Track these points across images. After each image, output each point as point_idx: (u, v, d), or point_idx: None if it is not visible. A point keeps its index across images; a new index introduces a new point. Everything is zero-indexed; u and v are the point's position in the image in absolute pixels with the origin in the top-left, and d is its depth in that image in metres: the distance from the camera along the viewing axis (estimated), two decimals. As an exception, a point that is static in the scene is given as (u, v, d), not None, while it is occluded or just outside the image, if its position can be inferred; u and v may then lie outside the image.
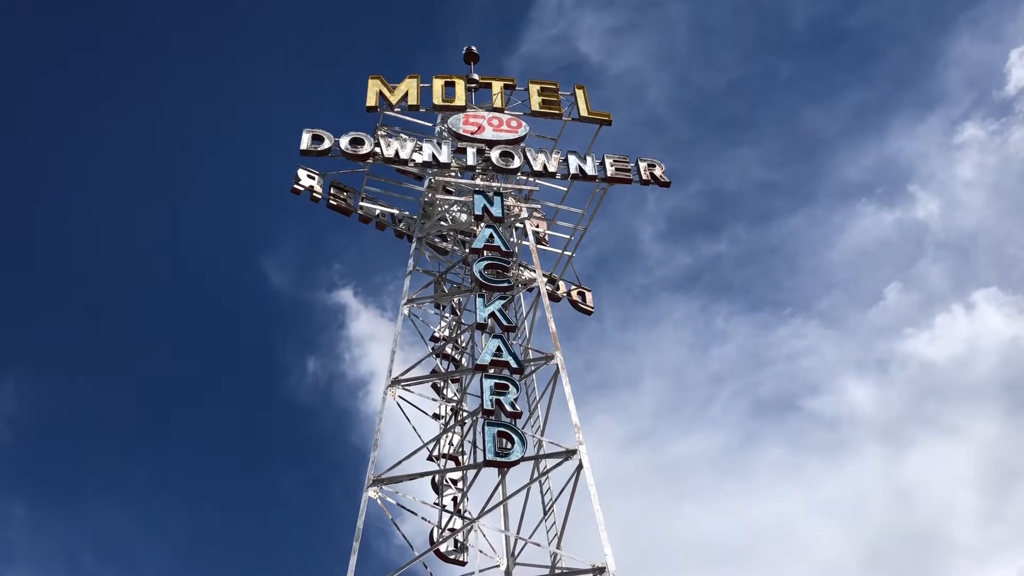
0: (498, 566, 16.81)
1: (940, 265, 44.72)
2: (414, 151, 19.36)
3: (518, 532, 16.65)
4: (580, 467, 14.78)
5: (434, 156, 19.29)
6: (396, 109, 20.01)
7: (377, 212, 20.21)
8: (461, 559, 17.20)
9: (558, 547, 15.36)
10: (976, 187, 44.84)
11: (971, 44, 46.63)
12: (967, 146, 45.39)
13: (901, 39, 48.54)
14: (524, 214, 19.75)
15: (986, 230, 44.63)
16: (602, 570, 13.39)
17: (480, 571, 14.96)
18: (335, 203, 19.66)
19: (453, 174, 19.86)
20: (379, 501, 15.07)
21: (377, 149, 19.19)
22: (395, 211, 20.34)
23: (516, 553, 16.80)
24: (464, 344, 19.77)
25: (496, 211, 18.15)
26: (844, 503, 38.08)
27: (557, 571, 14.76)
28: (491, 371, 15.47)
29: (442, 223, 20.07)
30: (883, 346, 43.56)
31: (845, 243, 45.60)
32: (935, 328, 42.76)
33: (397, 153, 19.28)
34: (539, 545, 15.67)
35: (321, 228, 48.45)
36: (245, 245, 46.73)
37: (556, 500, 16.21)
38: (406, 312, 18.16)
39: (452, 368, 19.28)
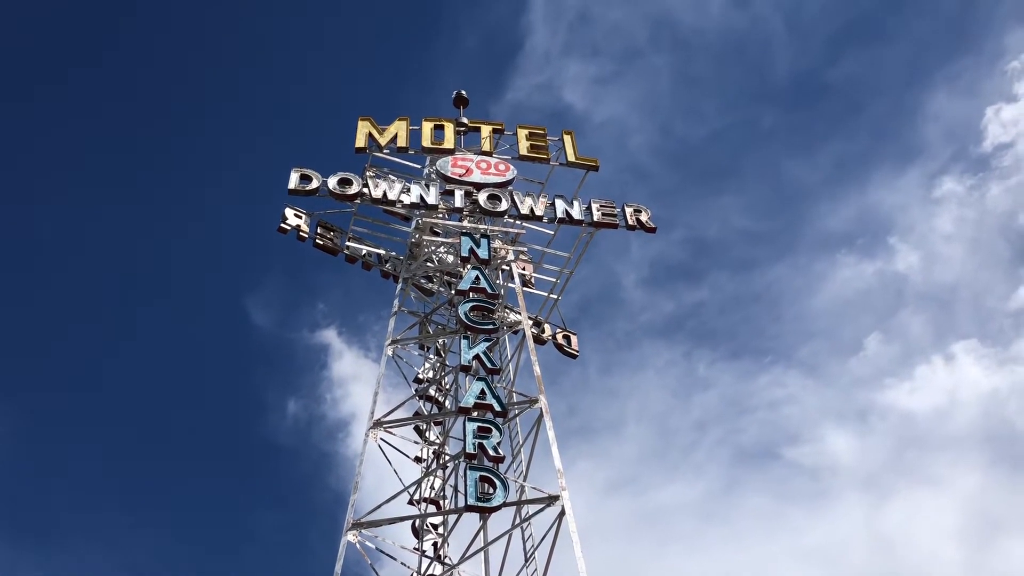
0: (478, 614, 16.53)
1: (920, 316, 45.13)
2: (402, 192, 19.44)
3: (499, 579, 16.39)
4: (563, 513, 14.63)
5: (422, 198, 19.36)
6: (385, 150, 20.13)
7: (363, 252, 20.21)
8: (441, 606, 16.90)
9: (539, 595, 15.11)
10: (955, 240, 45.49)
11: (949, 100, 47.69)
12: (946, 200, 46.13)
13: (881, 93, 49.59)
14: (510, 257, 19.80)
15: (965, 283, 45.17)
16: (583, 619, 13.18)
17: (459, 619, 14.69)
18: (322, 242, 19.65)
19: (440, 216, 19.93)
20: (358, 545, 14.84)
21: (365, 190, 19.25)
22: (381, 251, 20.34)
23: (496, 601, 16.52)
24: (448, 386, 19.66)
25: (483, 253, 18.20)
26: (826, 551, 37.85)
27: (538, 620, 14.51)
28: (474, 414, 15.37)
29: (428, 264, 20.09)
30: (863, 396, 43.72)
31: (826, 293, 46.00)
32: (915, 379, 43.02)
33: (385, 194, 19.35)
34: (520, 593, 15.41)
35: (306, 267, 48.49)
36: (229, 283, 46.61)
37: (538, 547, 16.00)
38: (390, 353, 18.06)
39: (435, 410, 19.14)
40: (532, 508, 15.53)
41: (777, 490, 40.76)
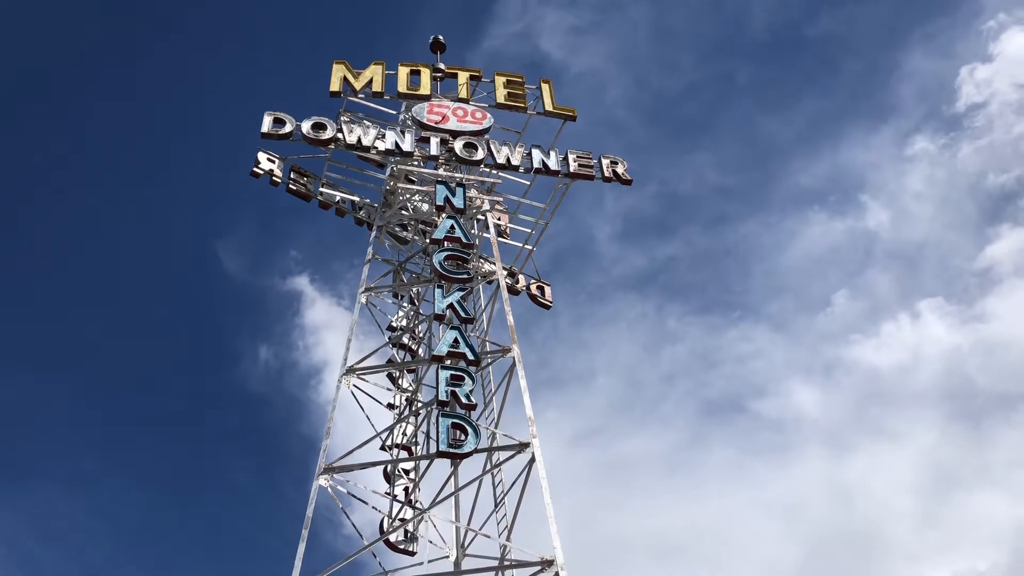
0: (447, 557, 16.83)
1: (888, 274, 45.78)
2: (377, 138, 19.20)
3: (468, 524, 16.68)
4: (533, 460, 14.85)
5: (397, 144, 19.15)
6: (360, 95, 19.81)
7: (337, 198, 20.02)
8: (411, 550, 17.19)
9: (508, 539, 15.41)
10: (925, 199, 45.98)
11: (924, 59, 47.75)
12: (917, 159, 46.51)
13: (857, 51, 49.48)
14: (486, 206, 19.73)
15: (933, 241, 45.80)
16: (550, 563, 13.47)
17: (429, 562, 14.98)
18: (295, 188, 19.43)
19: (416, 163, 19.75)
20: (330, 489, 14.98)
21: (339, 135, 18.99)
22: (356, 198, 20.17)
23: (466, 545, 16.82)
24: (421, 335, 19.71)
25: (458, 202, 18.10)
26: (786, 504, 38.86)
27: (506, 563, 14.82)
28: (447, 362, 15.45)
29: (403, 212, 19.97)
30: (830, 351, 44.48)
31: (796, 249, 46.44)
32: (881, 335, 43.79)
33: (360, 140, 19.10)
34: (489, 537, 15.71)
35: (278, 213, 47.69)
36: (199, 228, 45.99)
37: (507, 493, 16.27)
38: (363, 300, 18.03)
39: (408, 358, 19.21)
40: (503, 455, 15.75)
41: (742, 443, 41.62)
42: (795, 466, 40.12)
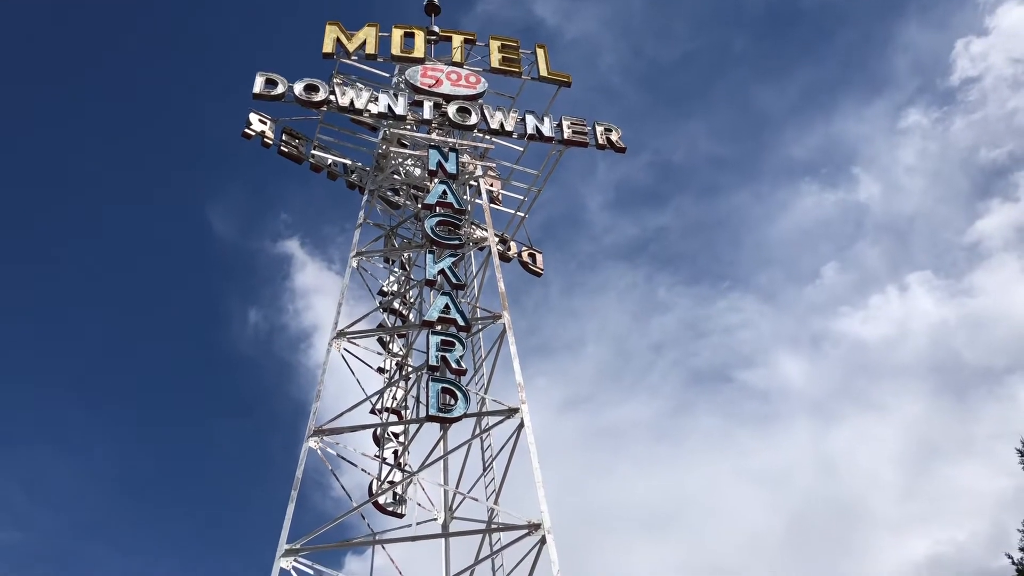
0: (435, 520, 17.02)
1: (877, 247, 46.00)
2: (370, 101, 19.04)
3: (457, 487, 16.85)
4: (521, 425, 14.96)
5: (390, 107, 18.99)
6: (353, 57, 19.61)
7: (329, 161, 19.89)
8: (399, 512, 17.36)
9: (495, 503, 15.58)
10: (916, 172, 46.07)
11: (919, 31, 47.57)
12: (910, 132, 46.50)
13: (853, 21, 49.23)
14: (479, 172, 19.66)
15: (924, 215, 45.98)
16: (537, 527, 13.63)
17: (417, 524, 15.16)
18: (286, 150, 19.28)
19: (408, 127, 19.62)
20: (319, 451, 15.07)
21: (332, 97, 18.82)
22: (347, 161, 20.05)
23: (454, 508, 17.02)
24: (412, 300, 19.73)
25: (451, 167, 18.02)
26: (771, 473, 39.39)
27: (493, 526, 14.99)
28: (438, 328, 15.49)
29: (395, 176, 19.87)
30: (817, 323, 44.83)
31: (787, 221, 46.58)
32: (869, 308, 44.13)
33: (352, 102, 18.94)
34: (477, 500, 15.87)
35: (269, 176, 47.67)
36: (190, 190, 45.74)
37: (496, 457, 16.42)
38: (355, 264, 18.01)
39: (399, 323, 19.24)
40: (492, 420, 15.86)
41: (728, 412, 42.05)
42: (781, 436, 40.63)
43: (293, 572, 13.53)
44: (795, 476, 39.39)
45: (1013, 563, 9.11)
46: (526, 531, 13.73)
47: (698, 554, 36.03)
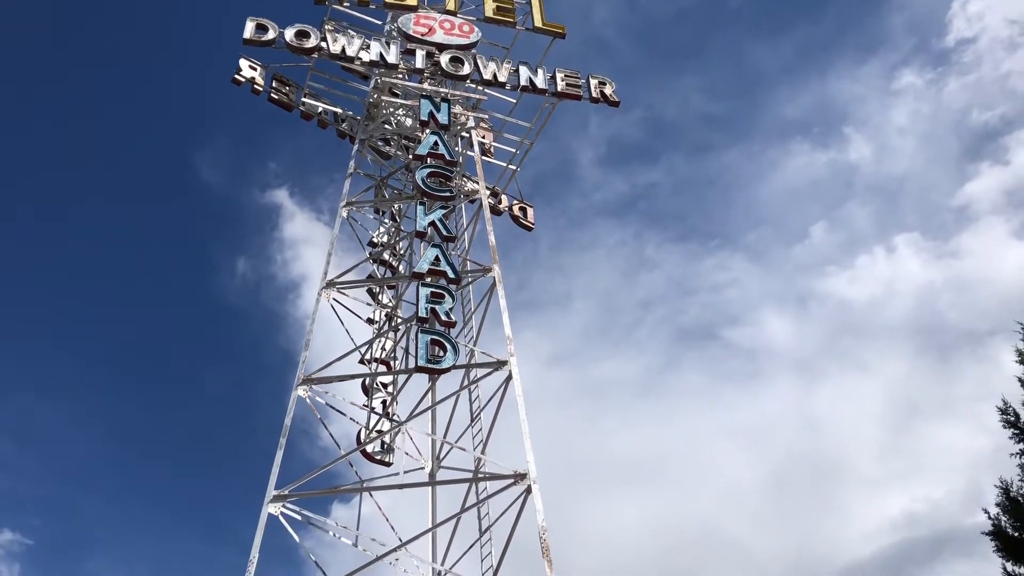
0: (423, 468, 17.24)
1: (866, 208, 46.11)
2: (361, 49, 18.76)
3: (444, 437, 17.03)
4: (509, 378, 15.06)
5: (381, 56, 18.73)
6: (345, 3, 19.28)
7: (320, 109, 19.67)
8: (387, 460, 17.56)
9: (482, 453, 15.77)
10: (908, 134, 46.00)
11: (916, -11, 47.04)
12: (903, 93, 46.29)
13: (849, -23, 48.61)
14: (471, 124, 19.49)
15: (913, 176, 46.04)
16: (523, 476, 13.80)
17: (405, 472, 15.34)
18: (276, 97, 19.03)
19: (400, 76, 19.38)
20: (308, 400, 15.16)
21: (323, 44, 18.54)
22: (338, 110, 19.83)
23: (441, 457, 17.22)
24: (402, 251, 19.70)
25: (442, 118, 17.84)
26: (754, 429, 39.96)
27: (480, 475, 15.19)
28: (428, 280, 15.50)
29: (386, 126, 19.68)
30: (804, 283, 45.11)
31: (777, 180, 46.55)
32: (856, 268, 44.39)
33: (344, 49, 18.66)
34: (464, 450, 16.06)
35: (258, 125, 47.04)
36: (177, 138, 45.18)
37: (483, 409, 16.58)
38: (344, 215, 17.92)
39: (388, 274, 19.24)
40: (480, 372, 15.96)
41: (713, 369, 42.47)
42: (764, 393, 41.13)
43: (281, 518, 13.69)
44: (777, 432, 40.01)
45: (989, 518, 9.32)
46: (512, 481, 13.90)
47: (680, 506, 36.71)
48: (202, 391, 42.54)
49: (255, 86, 18.73)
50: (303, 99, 19.37)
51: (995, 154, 44.19)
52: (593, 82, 19.79)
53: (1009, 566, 9.04)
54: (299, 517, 13.92)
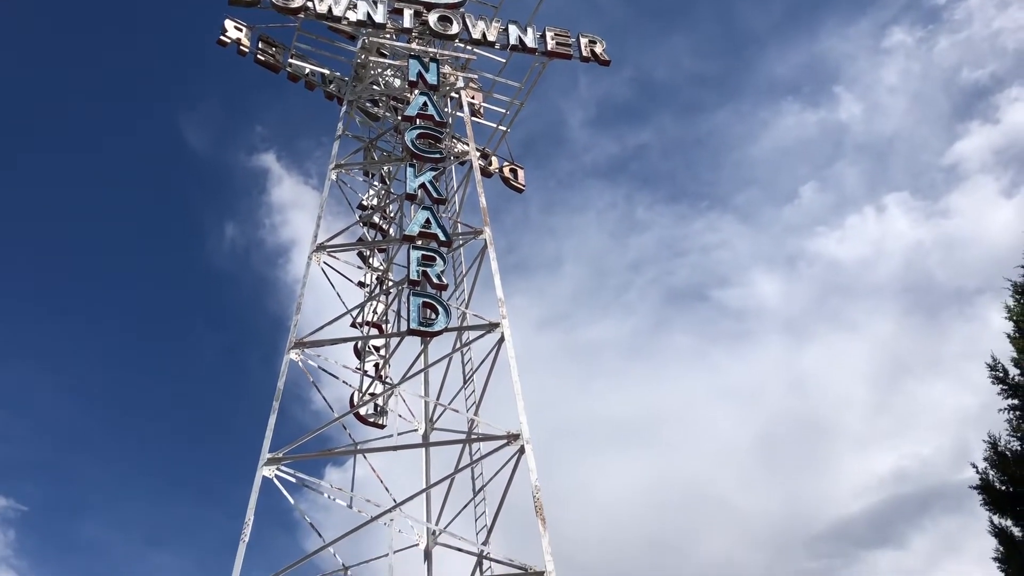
0: (416, 430, 17.32)
1: (856, 167, 46.04)
2: (348, 8, 18.45)
3: (437, 399, 17.09)
4: (502, 340, 15.08)
5: (369, 15, 18.44)
6: (331, -39, 18.90)
7: (307, 71, 19.40)
8: (380, 423, 17.62)
9: (475, 415, 15.84)
10: (898, 92, 45.76)
11: (909, -55, 46.53)
12: (894, 51, 45.96)
13: (842, -65, 48.00)
14: (460, 84, 19.27)
15: (903, 135, 45.93)
16: (516, 437, 13.88)
17: (399, 434, 15.38)
18: (263, 58, 18.75)
19: (388, 36, 19.10)
20: (300, 363, 15.16)
21: (309, 3, 18.22)
22: (326, 71, 19.56)
23: (434, 419, 17.30)
24: (392, 214, 19.59)
25: (431, 78, 17.62)
26: (744, 389, 40.29)
27: (473, 437, 15.28)
28: (419, 242, 15.42)
29: (374, 87, 19.44)
30: (794, 243, 45.18)
31: (767, 140, 46.37)
32: (845, 228, 44.43)
33: (330, 9, 18.36)
34: (457, 412, 16.13)
35: (244, 87, 46.38)
36: (162, 101, 44.55)
37: (476, 371, 16.62)
38: (334, 177, 17.77)
39: (379, 237, 19.14)
40: (472, 334, 15.97)
41: (702, 331, 42.68)
42: (754, 354, 41.38)
43: (275, 480, 13.76)
44: (767, 392, 40.36)
45: (977, 472, 9.45)
46: (505, 441, 13.99)
47: (670, 466, 37.11)
48: (193, 356, 42.55)
49: (241, 48, 18.45)
50: (290, 60, 19.10)
51: (985, 113, 44.10)
52: (583, 41, 19.56)
53: (996, 519, 9.20)
54: (293, 480, 14.00)
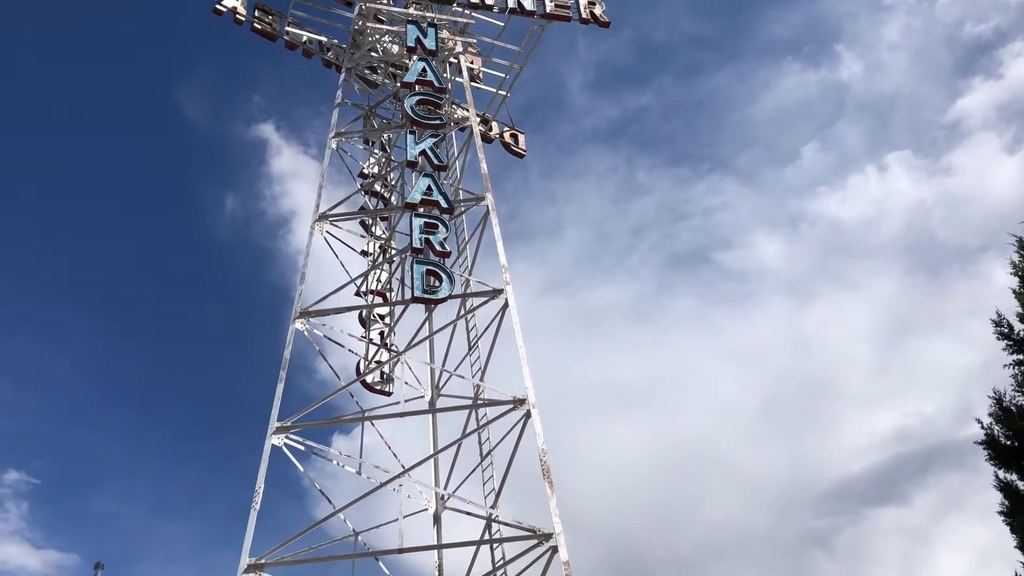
0: (423, 397, 17.42)
1: (858, 127, 45.72)
2: (344, -26, 18.23)
3: (443, 366, 17.16)
4: (506, 306, 15.11)
5: (365, -20, 18.22)
6: (325, -74, 18.66)
7: (304, 39, 19.23)
8: (387, 390, 17.71)
9: (481, 380, 15.92)
10: (900, 50, 45.29)
11: None
12: (895, 8, 45.43)
13: None
14: (459, 49, 19.09)
15: (905, 93, 45.52)
16: (522, 401, 13.96)
17: (405, 401, 15.45)
18: (260, 27, 18.57)
19: (385, 1, 18.92)
20: (306, 333, 15.21)
21: (304, -31, 18.02)
22: (323, 38, 19.38)
23: (440, 385, 17.39)
24: (393, 182, 19.51)
25: (430, 43, 17.46)
26: (746, 351, 40.40)
27: (480, 402, 15.36)
28: (421, 210, 15.39)
29: (372, 54, 19.28)
30: (796, 204, 45.05)
31: (768, 101, 45.99)
32: (847, 188, 44.26)
33: (326, -25, 18.15)
34: (463, 378, 16.20)
35: (240, 56, 45.82)
36: (158, 73, 44.18)
37: (480, 337, 16.67)
38: (334, 146, 17.69)
39: (381, 206, 19.10)
40: (476, 300, 16.00)
41: (705, 293, 42.72)
42: (756, 316, 41.45)
43: (284, 448, 13.88)
44: (769, 354, 40.48)
45: (982, 427, 9.50)
46: (511, 406, 14.06)
47: (673, 428, 37.37)
48: (197, 329, 42.69)
49: (237, 16, 18.27)
50: (287, 28, 18.92)
51: (988, 68, 43.66)
52: (583, 2, 19.34)
53: (1001, 473, 9.27)
54: (302, 448, 14.11)
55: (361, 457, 15.46)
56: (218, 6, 18.11)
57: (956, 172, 42.92)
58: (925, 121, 45.37)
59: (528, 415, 13.81)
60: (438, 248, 15.02)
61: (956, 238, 42.02)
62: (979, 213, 40.74)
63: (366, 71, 19.55)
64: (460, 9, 19.04)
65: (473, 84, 19.27)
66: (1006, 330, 9.57)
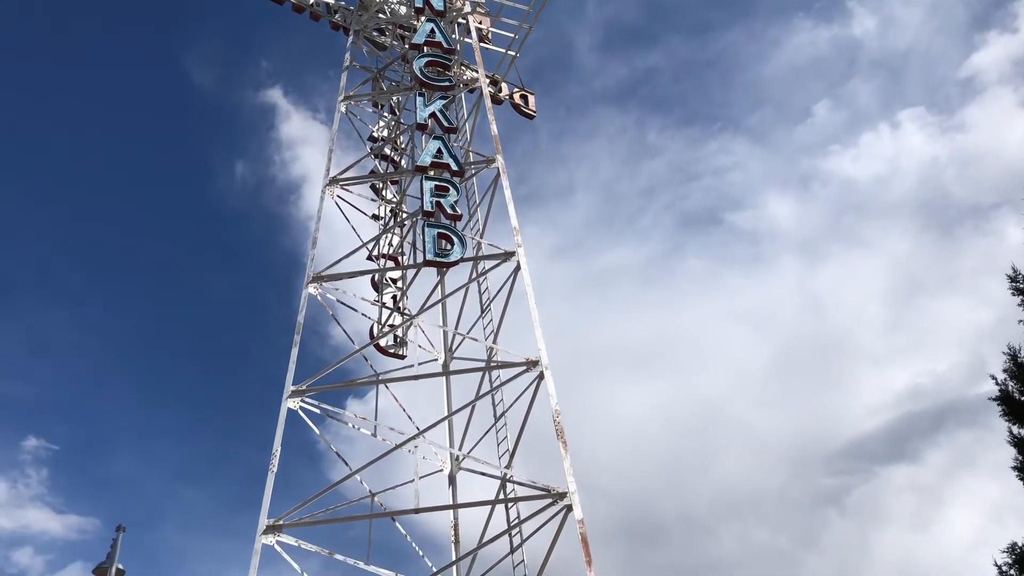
0: (436, 360, 17.51)
1: (871, 84, 45.07)
2: (350, -66, 17.99)
3: (456, 328, 17.22)
4: (518, 268, 15.09)
5: (372, -60, 17.98)
6: None
7: (311, 1, 19.03)
8: (401, 353, 17.78)
9: (494, 342, 15.97)
10: (913, 4, 44.46)
11: None
12: (910, -40, 44.44)
13: None
14: (467, 8, 18.86)
15: (919, 49, 44.78)
16: (535, 363, 13.99)
17: (419, 364, 15.53)
18: (266, -11, 18.37)
19: (392, -38, 18.67)
20: (319, 297, 15.26)
21: (310, -70, 17.78)
22: (330, 0, 19.17)
23: (454, 348, 17.46)
24: (403, 145, 19.42)
25: (438, 4, 17.27)
26: (758, 312, 40.36)
27: (493, 364, 15.42)
28: (431, 173, 15.33)
29: (380, 16, 19.07)
30: (807, 163, 44.61)
31: (779, 59, 45.36)
32: (859, 146, 43.78)
33: (331, -65, 17.91)
34: (476, 340, 16.24)
35: (247, 21, 45.53)
36: (164, 40, 43.90)
37: (493, 300, 16.68)
38: (343, 110, 17.59)
39: (391, 169, 19.03)
40: (488, 264, 15.98)
41: (717, 254, 42.56)
42: (768, 276, 41.33)
43: (300, 412, 14.00)
44: (781, 314, 40.42)
45: (996, 384, 9.50)
46: (524, 368, 14.11)
47: (685, 389, 37.49)
48: (210, 295, 42.95)
49: (242, -22, 18.05)
50: (293, -10, 18.71)
51: (1003, 21, 42.92)
52: (592, -41, 19.00)
53: (1016, 429, 9.27)
54: (317, 411, 14.23)
55: (376, 420, 15.60)
56: (223, -31, 17.90)
57: (970, 128, 42.38)
58: (939, 77, 44.73)
59: (541, 376, 13.86)
60: (449, 211, 14.99)
61: (970, 196, 41.64)
62: (993, 170, 40.32)
63: (374, 33, 19.36)
64: (468, -32, 18.77)
65: (482, 45, 19.07)
66: (1021, 286, 9.51)
